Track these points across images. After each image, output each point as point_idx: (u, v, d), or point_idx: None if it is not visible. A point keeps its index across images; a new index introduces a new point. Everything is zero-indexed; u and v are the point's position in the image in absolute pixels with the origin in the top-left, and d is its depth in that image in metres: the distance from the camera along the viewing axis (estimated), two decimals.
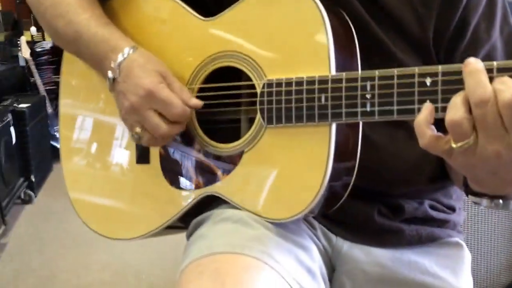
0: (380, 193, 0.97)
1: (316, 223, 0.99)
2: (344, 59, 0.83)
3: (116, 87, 0.93)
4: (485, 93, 0.64)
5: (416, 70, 0.72)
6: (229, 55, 0.91)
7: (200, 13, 0.97)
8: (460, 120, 0.65)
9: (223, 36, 0.93)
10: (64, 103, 1.13)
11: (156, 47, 0.98)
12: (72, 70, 1.12)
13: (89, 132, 1.11)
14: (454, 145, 0.67)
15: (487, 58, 0.90)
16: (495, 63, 0.66)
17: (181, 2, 0.98)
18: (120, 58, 0.91)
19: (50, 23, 1.02)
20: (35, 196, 3.78)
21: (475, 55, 0.85)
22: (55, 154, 4.15)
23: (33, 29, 4.98)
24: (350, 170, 0.86)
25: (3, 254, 3.00)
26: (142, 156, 1.03)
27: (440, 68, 0.70)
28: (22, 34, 4.95)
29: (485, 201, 0.76)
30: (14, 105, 3.72)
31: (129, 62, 0.91)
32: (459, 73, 0.68)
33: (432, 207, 1.03)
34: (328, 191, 0.82)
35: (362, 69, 0.84)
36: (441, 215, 1.04)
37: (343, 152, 0.83)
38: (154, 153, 1.02)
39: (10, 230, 3.28)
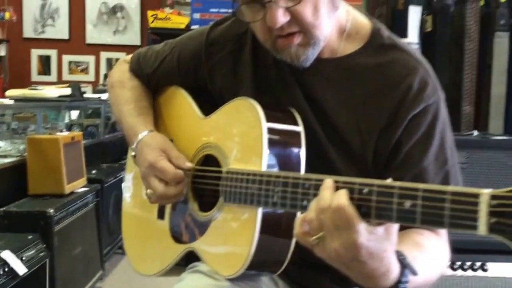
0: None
1: (280, 282, 1.19)
2: (283, 159, 1.07)
3: (136, 161, 1.27)
4: (324, 203, 0.83)
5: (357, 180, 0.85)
6: (213, 146, 1.22)
7: (205, 103, 1.28)
8: (310, 219, 0.84)
9: (210, 131, 1.24)
10: (126, 175, 1.49)
11: (174, 132, 1.34)
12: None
13: (134, 194, 1.46)
14: (311, 239, 0.84)
15: (417, 179, 1.04)
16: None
17: (192, 102, 1.31)
18: (136, 141, 1.26)
19: (112, 109, 1.42)
20: None
21: (404, 174, 1.06)
22: None
23: None
24: (283, 245, 1.05)
25: None
26: (160, 213, 1.32)
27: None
28: None
29: None
30: None
31: (141, 144, 1.26)
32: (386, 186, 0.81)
33: None
34: (259, 256, 1.03)
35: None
36: None
37: (272, 229, 1.04)
38: (167, 212, 1.30)
39: (107, 276, 3.65)
